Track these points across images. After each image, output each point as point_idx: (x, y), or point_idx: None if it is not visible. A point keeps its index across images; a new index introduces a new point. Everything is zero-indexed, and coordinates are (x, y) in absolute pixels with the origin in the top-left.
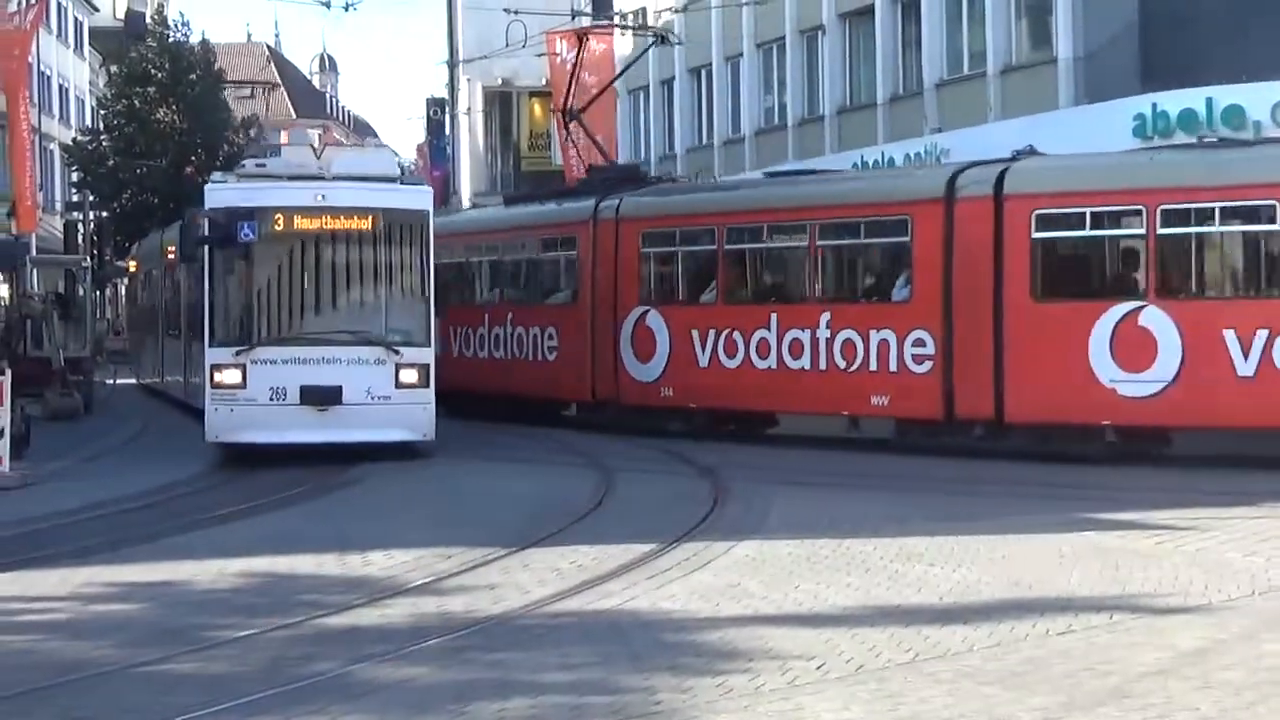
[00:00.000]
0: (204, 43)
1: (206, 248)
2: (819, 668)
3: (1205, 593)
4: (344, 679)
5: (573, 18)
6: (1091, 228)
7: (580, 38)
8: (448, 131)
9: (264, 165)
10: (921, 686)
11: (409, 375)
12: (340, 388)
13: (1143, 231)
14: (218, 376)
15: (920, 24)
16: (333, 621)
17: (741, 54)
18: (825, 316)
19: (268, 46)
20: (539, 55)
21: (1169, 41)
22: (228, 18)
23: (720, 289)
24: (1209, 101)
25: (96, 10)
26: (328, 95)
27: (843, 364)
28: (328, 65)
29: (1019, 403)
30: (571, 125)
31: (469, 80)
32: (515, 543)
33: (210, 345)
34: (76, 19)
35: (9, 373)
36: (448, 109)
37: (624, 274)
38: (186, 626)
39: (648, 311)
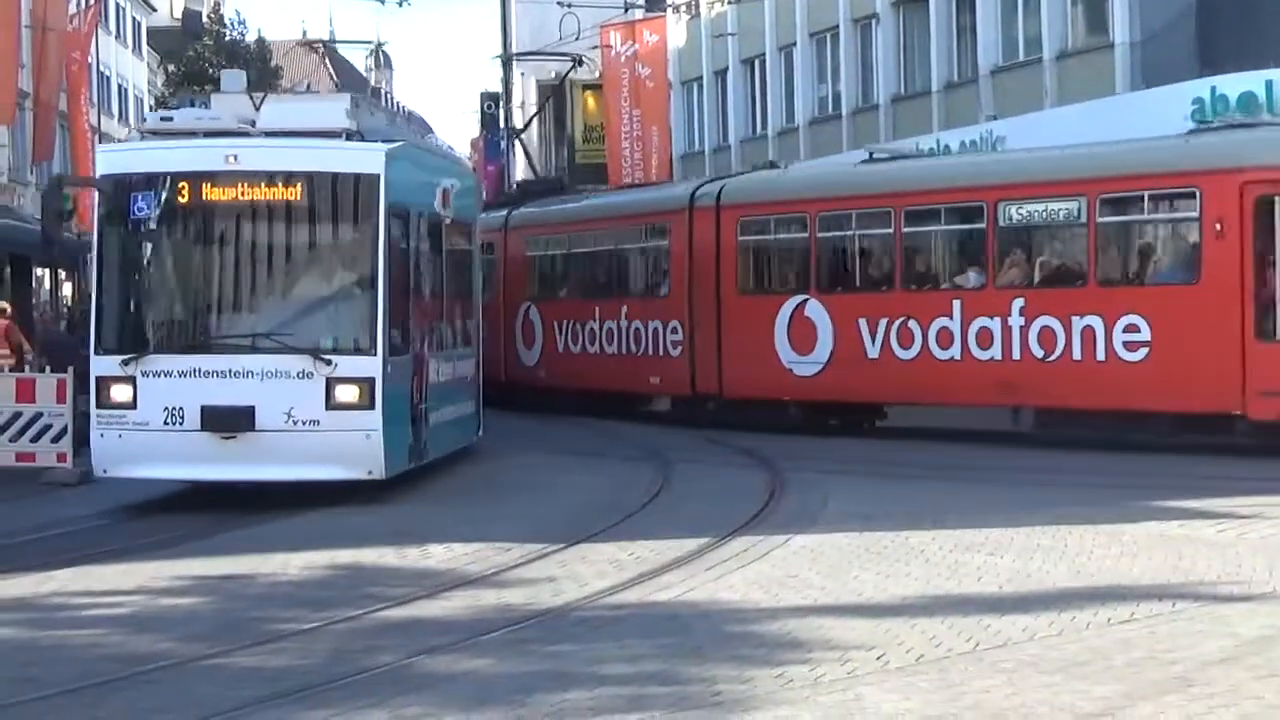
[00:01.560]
0: (260, 40)
1: (97, 230)
2: (879, 658)
3: (1269, 580)
4: (405, 671)
5: (625, 10)
6: (775, 233)
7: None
8: (502, 125)
9: (170, 119)
10: (983, 676)
11: (346, 393)
12: (252, 409)
13: (807, 235)
14: (103, 393)
15: (975, 11)
16: (393, 614)
17: (795, 44)
18: (624, 309)
19: (322, 43)
20: (593, 48)
21: (1227, 24)
22: (283, 15)
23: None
24: (1269, 84)
25: (154, 10)
26: (382, 91)
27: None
28: (382, 61)
29: (732, 381)
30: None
31: (523, 74)
32: (573, 536)
33: (95, 353)
34: (135, 19)
35: (71, 369)
36: (502, 103)
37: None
38: (250, 620)
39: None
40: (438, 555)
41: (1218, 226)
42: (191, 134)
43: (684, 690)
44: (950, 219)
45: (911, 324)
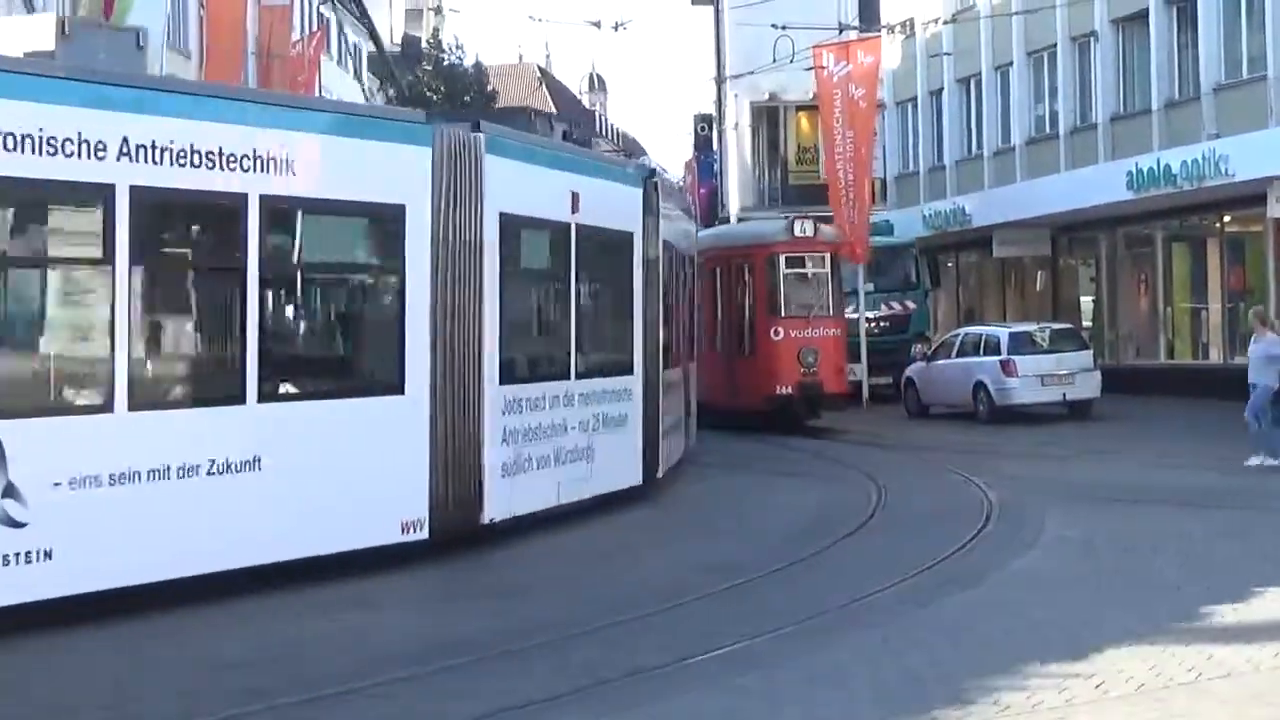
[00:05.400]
0: (477, 65)
1: None
2: (1097, 686)
3: None
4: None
5: (840, 31)
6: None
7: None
8: (715, 147)
9: None
10: (1204, 707)
11: None
12: None
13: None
14: None
15: (1196, 27)
16: None
17: (1011, 63)
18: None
19: (538, 67)
20: (806, 69)
21: None
22: (500, 40)
23: None
24: None
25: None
26: (597, 114)
27: None
28: (597, 84)
29: None
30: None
31: (736, 95)
32: (782, 559)
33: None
34: (355, 44)
35: None
36: (715, 124)
37: None
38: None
39: None
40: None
41: None
42: None
43: (898, 716)
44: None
45: None
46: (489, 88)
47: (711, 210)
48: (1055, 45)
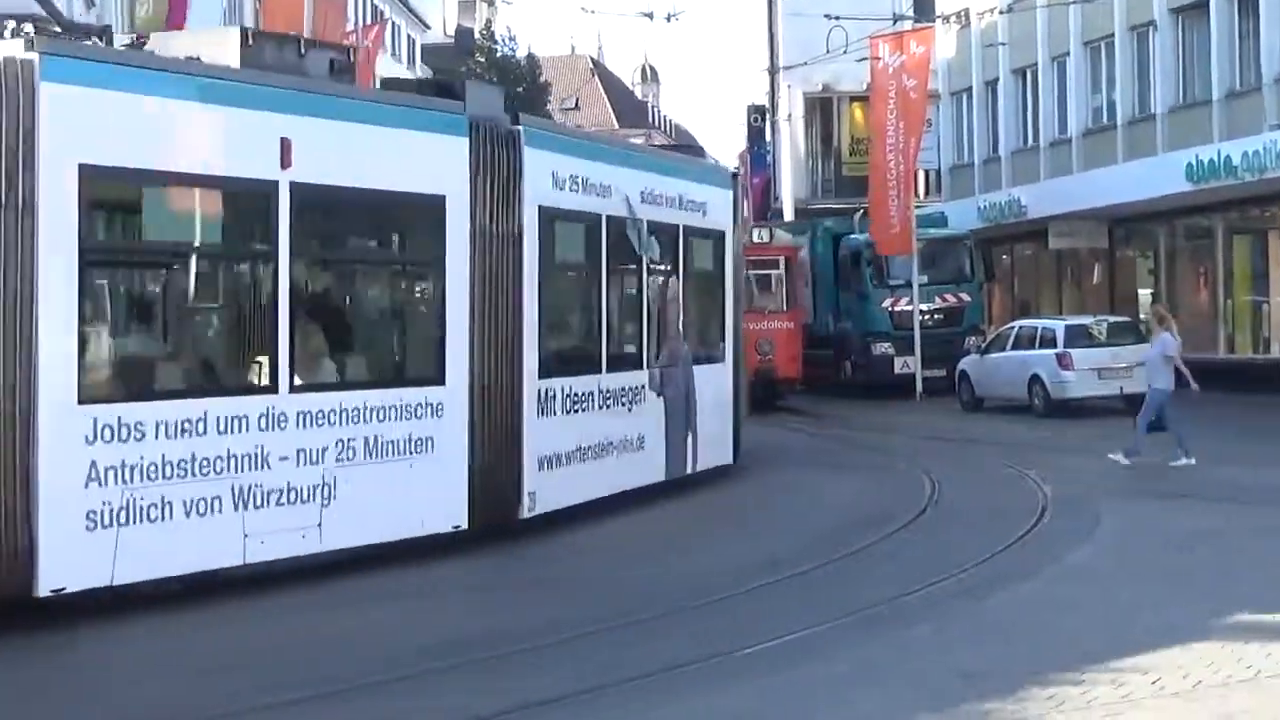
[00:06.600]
0: (530, 57)
1: None
2: (1154, 682)
3: None
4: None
5: (894, 21)
6: None
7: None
8: (768, 138)
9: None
10: (1265, 704)
11: None
12: None
13: None
14: None
15: (1258, 15)
16: None
17: (1068, 53)
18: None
19: (591, 59)
20: (860, 60)
21: None
22: (553, 32)
23: None
24: None
25: (428, 28)
26: (649, 105)
27: None
28: (649, 75)
29: None
30: None
31: (789, 86)
32: (833, 553)
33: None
34: (409, 36)
35: None
36: (768, 116)
37: None
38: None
39: None
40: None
41: None
42: None
43: (952, 710)
44: None
45: None
46: (541, 79)
47: (765, 202)
48: (1113, 35)
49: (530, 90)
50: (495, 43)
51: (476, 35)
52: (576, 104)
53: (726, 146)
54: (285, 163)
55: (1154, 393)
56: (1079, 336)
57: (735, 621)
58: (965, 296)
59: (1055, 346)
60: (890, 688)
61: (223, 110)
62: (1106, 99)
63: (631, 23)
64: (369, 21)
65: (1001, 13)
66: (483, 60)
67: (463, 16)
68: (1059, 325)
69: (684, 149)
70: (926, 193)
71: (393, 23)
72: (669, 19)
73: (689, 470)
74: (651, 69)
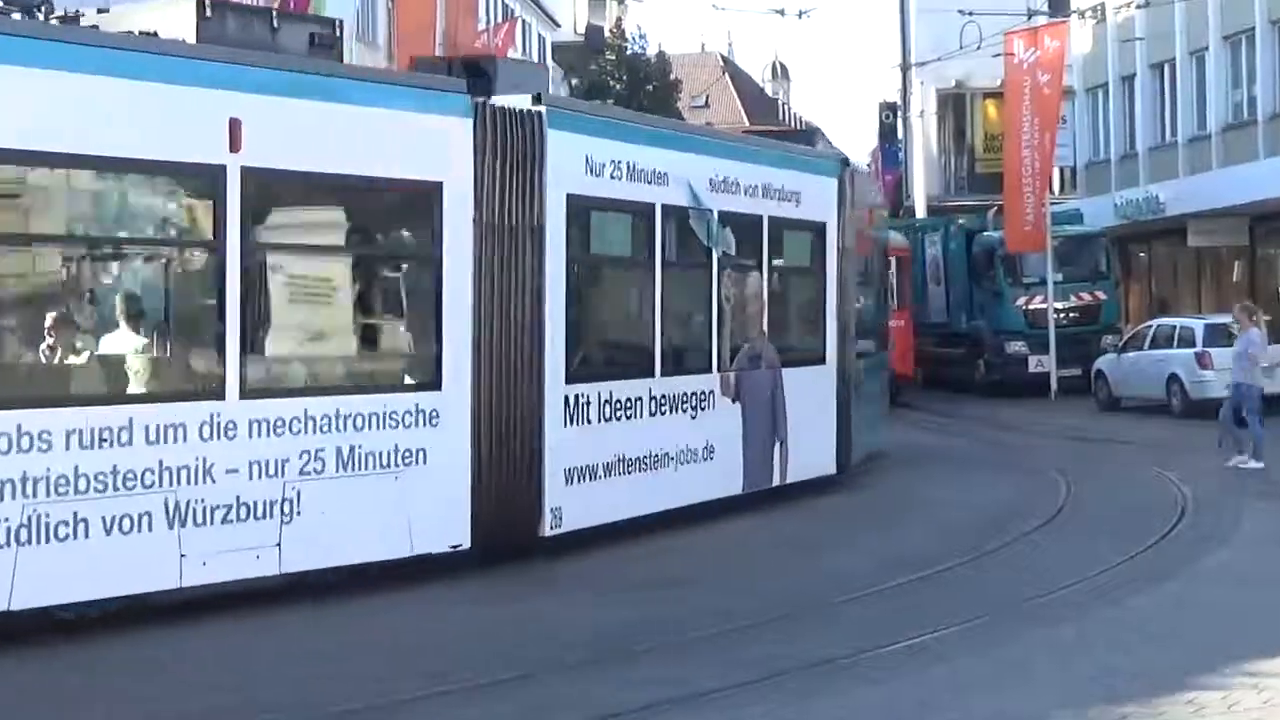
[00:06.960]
0: (660, 54)
1: None
2: None
3: None
4: None
5: (1028, 16)
6: None
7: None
8: (900, 135)
9: None
10: None
11: None
12: None
13: None
14: None
15: None
16: None
17: (1207, 47)
18: None
19: (721, 56)
20: (994, 56)
21: None
22: (683, 29)
23: None
24: None
25: (558, 26)
26: (779, 102)
27: None
28: (779, 73)
29: None
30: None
31: (922, 83)
32: (970, 552)
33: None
34: (540, 35)
35: None
36: (900, 112)
37: None
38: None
39: None
40: None
41: None
42: None
43: (1090, 712)
44: None
45: None
46: (671, 76)
47: (897, 199)
48: (1253, 28)
49: (660, 88)
50: (625, 41)
51: (607, 33)
52: (706, 101)
53: (859, 144)
54: (234, 145)
55: (1241, 389)
56: (1218, 335)
57: (881, 616)
58: (1101, 295)
59: (1194, 345)
60: (1031, 687)
61: (160, 88)
62: (1247, 94)
63: (762, 20)
64: (500, 20)
65: (1138, 7)
66: (613, 58)
67: (593, 15)
68: (1198, 324)
69: (789, 134)
70: (1062, 189)
71: (523, 21)
72: (800, 16)
73: (775, 482)
74: (782, 66)
